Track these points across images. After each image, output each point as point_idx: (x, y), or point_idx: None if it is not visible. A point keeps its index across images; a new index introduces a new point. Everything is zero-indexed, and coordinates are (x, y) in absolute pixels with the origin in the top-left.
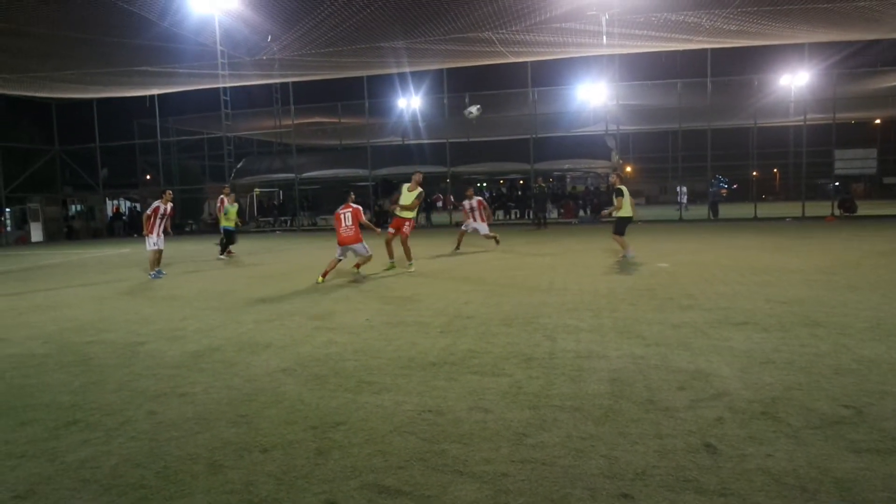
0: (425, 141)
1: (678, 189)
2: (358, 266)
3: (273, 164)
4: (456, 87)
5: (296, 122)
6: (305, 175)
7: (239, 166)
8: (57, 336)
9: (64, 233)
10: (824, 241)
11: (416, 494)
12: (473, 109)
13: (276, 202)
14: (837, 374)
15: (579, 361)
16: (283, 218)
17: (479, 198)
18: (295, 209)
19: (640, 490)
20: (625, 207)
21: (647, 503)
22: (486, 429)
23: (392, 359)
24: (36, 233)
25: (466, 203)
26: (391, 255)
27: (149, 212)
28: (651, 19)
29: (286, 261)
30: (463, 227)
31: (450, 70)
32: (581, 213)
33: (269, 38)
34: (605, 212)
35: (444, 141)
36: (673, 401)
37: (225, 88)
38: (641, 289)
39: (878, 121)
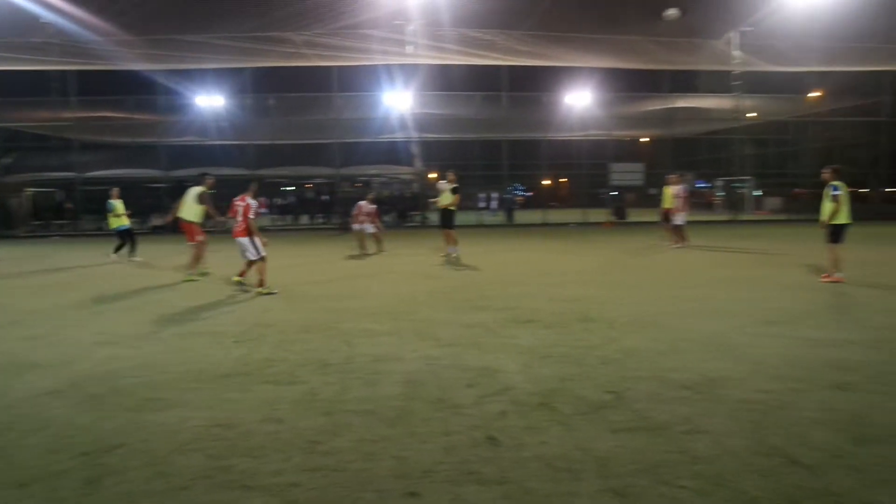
0: (229, 142)
1: (489, 195)
2: (242, 274)
3: (50, 162)
4: (260, 87)
5: (79, 115)
6: (90, 174)
7: (5, 162)
8: None
9: None
10: (600, 244)
11: None
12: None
13: (58, 203)
14: (604, 364)
15: (376, 365)
16: (61, 222)
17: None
18: (77, 212)
19: (427, 487)
20: (443, 198)
21: (432, 499)
22: (278, 439)
23: (180, 373)
24: None
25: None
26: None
27: None
28: (451, 34)
29: (66, 268)
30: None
31: (255, 70)
32: (386, 218)
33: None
34: (433, 200)
35: (248, 143)
36: (462, 398)
37: None
38: (440, 292)
39: (646, 139)
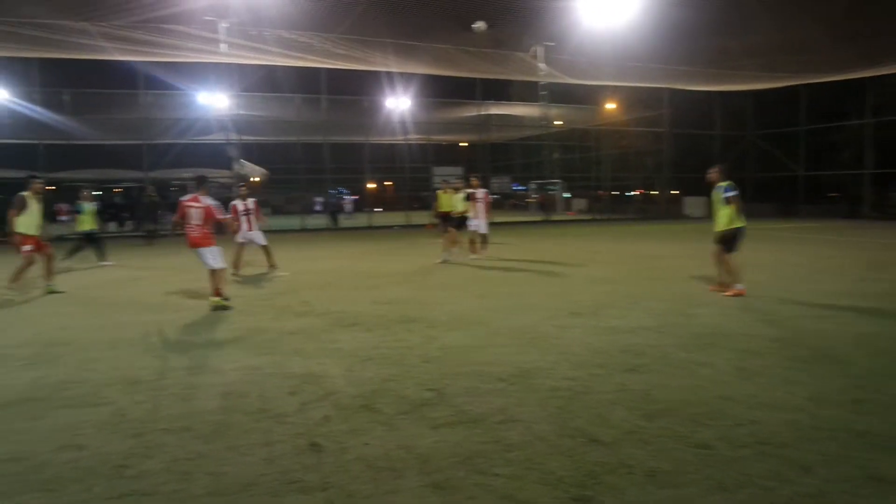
0: (10, 140)
1: (315, 199)
2: (217, 293)
3: None
4: (52, 81)
5: None
6: None
7: None
8: None
9: None
10: (422, 245)
11: None
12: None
13: None
14: (425, 363)
15: (191, 379)
16: None
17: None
18: None
19: (246, 501)
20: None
21: None
22: (78, 468)
23: None
24: None
25: (240, 204)
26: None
27: None
28: (265, 34)
29: None
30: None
31: (45, 61)
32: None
33: None
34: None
35: (37, 142)
36: (284, 406)
37: None
38: (260, 299)
39: (464, 143)
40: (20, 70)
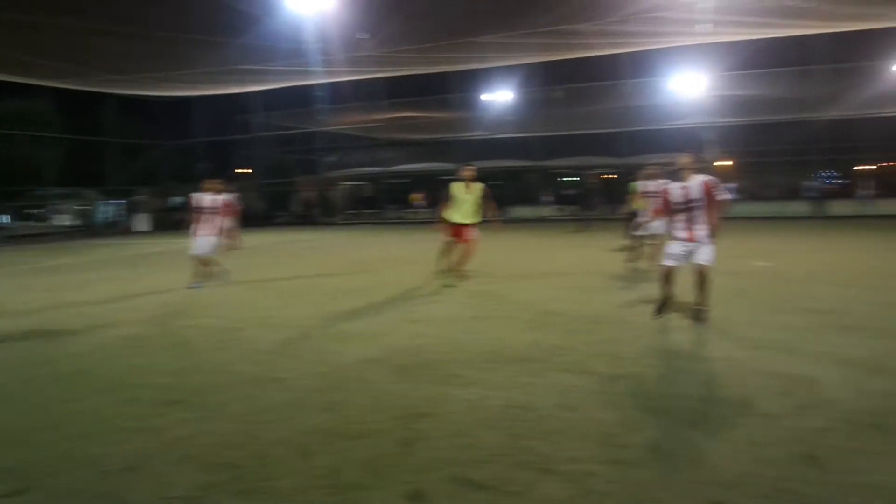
0: (515, 135)
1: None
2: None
3: (362, 158)
4: (545, 80)
5: (386, 116)
6: (393, 168)
7: (330, 160)
8: (160, 319)
9: (168, 222)
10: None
11: (502, 490)
12: None
13: (367, 195)
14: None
15: (673, 362)
16: (370, 211)
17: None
18: (382, 202)
19: (734, 497)
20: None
21: None
22: (573, 429)
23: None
24: (142, 223)
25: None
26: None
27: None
28: (761, 6)
29: (375, 252)
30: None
31: (540, 63)
32: None
33: (366, 35)
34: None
35: (532, 135)
36: (773, 407)
37: (319, 85)
38: (740, 288)
39: None
40: (520, 74)
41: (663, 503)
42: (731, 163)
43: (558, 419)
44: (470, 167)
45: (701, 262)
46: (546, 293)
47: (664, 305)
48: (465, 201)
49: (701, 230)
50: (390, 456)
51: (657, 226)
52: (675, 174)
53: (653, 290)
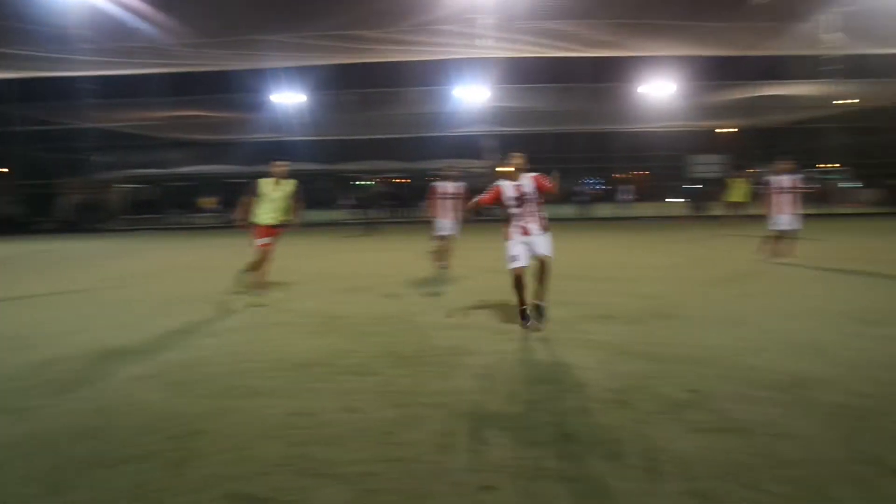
0: (305, 138)
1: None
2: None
3: (140, 159)
4: (334, 84)
5: (167, 114)
6: (176, 171)
7: (105, 160)
8: None
9: None
10: (687, 239)
11: (279, 500)
12: None
13: (148, 198)
14: (683, 362)
15: (450, 359)
16: (152, 215)
17: None
18: (164, 206)
19: (502, 480)
20: None
21: (507, 492)
22: (356, 428)
23: (267, 362)
24: None
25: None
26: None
27: None
28: (525, 26)
29: (153, 260)
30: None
31: (329, 67)
32: None
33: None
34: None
35: (324, 138)
36: (534, 394)
37: (89, 77)
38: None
39: (725, 130)
40: (310, 77)
41: (441, 494)
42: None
43: (340, 422)
44: (282, 163)
45: (543, 254)
46: (333, 297)
47: (526, 311)
48: (273, 199)
49: (535, 224)
50: (159, 480)
51: (451, 226)
52: (490, 176)
53: (441, 290)
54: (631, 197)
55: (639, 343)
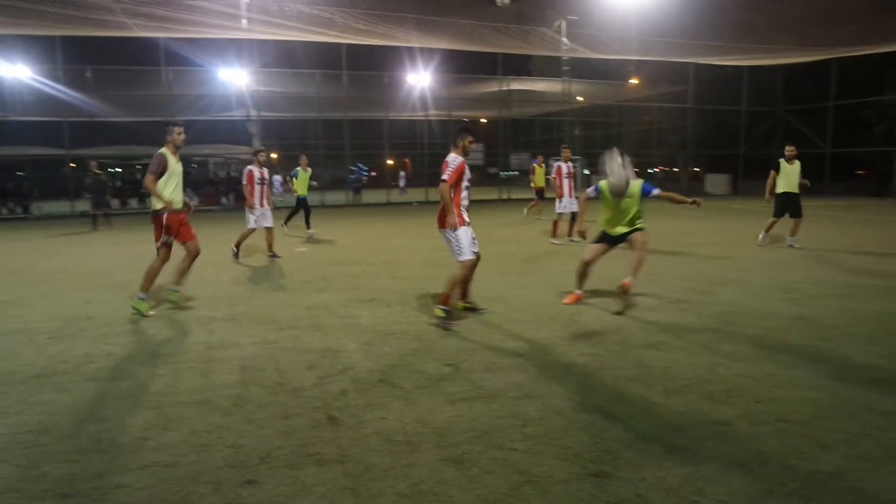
0: (34, 118)
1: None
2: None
3: None
4: (74, 58)
5: None
6: None
7: None
8: None
9: None
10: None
11: None
12: None
13: None
14: (443, 338)
15: (211, 353)
16: None
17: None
18: None
19: (265, 473)
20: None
21: (270, 485)
22: (101, 440)
23: None
24: None
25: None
26: None
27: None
28: (286, 9)
29: None
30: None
31: (67, 38)
32: (224, 200)
33: None
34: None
35: (61, 119)
36: (302, 380)
37: None
38: (278, 274)
39: (484, 119)
40: (43, 48)
41: (201, 495)
42: (275, 155)
43: (83, 435)
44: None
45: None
46: (78, 296)
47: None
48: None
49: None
50: None
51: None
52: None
53: (202, 284)
54: (403, 183)
55: (401, 323)
